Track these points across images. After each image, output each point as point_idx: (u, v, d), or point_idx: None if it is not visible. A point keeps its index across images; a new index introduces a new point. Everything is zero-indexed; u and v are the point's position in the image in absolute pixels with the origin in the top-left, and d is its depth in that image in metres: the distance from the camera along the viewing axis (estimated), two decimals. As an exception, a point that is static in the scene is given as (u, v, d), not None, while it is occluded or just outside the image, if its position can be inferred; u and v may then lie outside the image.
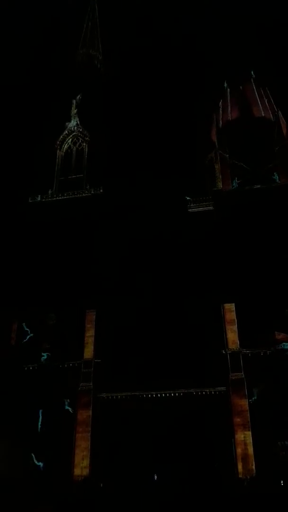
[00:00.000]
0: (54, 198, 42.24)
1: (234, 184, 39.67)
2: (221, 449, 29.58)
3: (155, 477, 29.38)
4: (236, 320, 33.53)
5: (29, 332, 36.08)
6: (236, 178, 39.82)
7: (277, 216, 36.34)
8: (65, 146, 45.99)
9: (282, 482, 27.73)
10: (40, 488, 27.16)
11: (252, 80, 45.92)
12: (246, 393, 30.73)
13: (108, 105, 48.83)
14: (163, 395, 32.02)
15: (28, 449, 30.95)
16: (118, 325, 35.23)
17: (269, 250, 34.97)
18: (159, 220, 39.11)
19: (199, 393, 31.64)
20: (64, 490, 27.12)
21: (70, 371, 33.79)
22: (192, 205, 40.04)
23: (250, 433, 29.70)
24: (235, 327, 33.33)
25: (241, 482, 27.95)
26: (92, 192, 41.37)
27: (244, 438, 29.60)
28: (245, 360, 31.94)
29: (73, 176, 43.94)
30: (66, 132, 46.29)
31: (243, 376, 31.32)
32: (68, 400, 32.55)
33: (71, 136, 46.29)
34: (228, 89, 46.19)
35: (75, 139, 46.17)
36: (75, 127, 46.16)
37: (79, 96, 47.54)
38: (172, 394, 31.96)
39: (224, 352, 32.44)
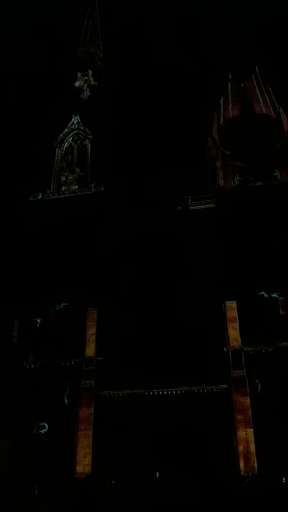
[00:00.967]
0: (55, 196, 42.19)
1: (236, 181, 39.58)
2: (223, 446, 29.60)
3: (157, 474, 29.40)
4: (237, 318, 33.50)
5: (31, 329, 36.13)
6: (237, 175, 39.74)
7: (278, 213, 36.26)
8: (66, 144, 45.86)
9: (284, 479, 27.72)
10: (42, 485, 27.22)
11: (253, 77, 45.71)
12: (248, 391, 30.69)
13: (109, 103, 48.70)
14: (165, 392, 32.03)
15: (30, 447, 30.98)
16: (119, 323, 35.26)
17: (271, 247, 34.91)
18: (160, 218, 39.06)
19: (201, 391, 31.65)
20: (66, 487, 27.18)
21: (72, 369, 33.78)
22: (192, 202, 39.94)
23: (251, 430, 29.72)
24: (236, 325, 33.31)
25: (243, 479, 27.96)
26: (94, 190, 41.31)
27: (246, 435, 29.62)
28: (247, 357, 31.93)
29: (74, 174, 43.86)
30: (67, 130, 46.15)
31: (245, 374, 31.32)
32: (70, 398, 32.52)
33: (72, 134, 46.15)
34: (230, 86, 45.97)
35: (76, 137, 46.05)
36: (76, 125, 46.02)
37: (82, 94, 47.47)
38: (174, 392, 31.97)
39: (225, 350, 32.44)
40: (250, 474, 28.31)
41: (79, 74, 49.62)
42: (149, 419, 30.86)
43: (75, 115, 46.30)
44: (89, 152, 44.67)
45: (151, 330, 34.68)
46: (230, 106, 44.47)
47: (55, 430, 31.95)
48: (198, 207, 39.75)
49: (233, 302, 34.02)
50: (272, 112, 42.99)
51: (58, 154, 45.18)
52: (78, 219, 39.38)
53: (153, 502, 24.40)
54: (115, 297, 36.33)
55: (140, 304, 35.87)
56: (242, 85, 45.56)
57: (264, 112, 42.90)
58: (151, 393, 32.14)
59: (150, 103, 56.05)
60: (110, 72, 54.28)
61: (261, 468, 28.60)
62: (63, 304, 36.30)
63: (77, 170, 44.07)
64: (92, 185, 41.53)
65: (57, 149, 45.27)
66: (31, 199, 42.20)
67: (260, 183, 38.42)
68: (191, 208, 39.69)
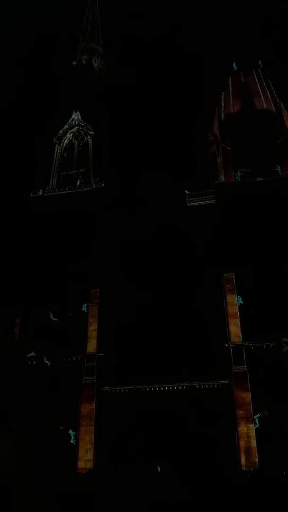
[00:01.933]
0: (56, 193, 42.17)
1: (237, 177, 39.50)
2: (224, 441, 29.68)
3: (158, 468, 29.52)
4: (238, 314, 33.53)
5: (32, 326, 36.22)
6: (238, 171, 39.66)
7: (279, 209, 36.18)
8: (66, 141, 45.77)
9: (285, 473, 27.80)
10: (45, 481, 27.34)
11: (254, 72, 45.52)
12: (249, 386, 30.75)
13: (109, 99, 48.57)
14: (166, 388, 32.10)
15: (32, 443, 31.09)
16: (121, 319, 35.32)
17: (272, 243, 34.89)
18: (160, 214, 39.03)
19: (202, 386, 31.71)
20: (68, 483, 27.31)
21: (74, 365, 33.86)
22: (193, 198, 39.88)
23: (253, 425, 29.78)
24: (237, 321, 33.33)
25: (244, 474, 28.05)
26: (94, 186, 41.27)
27: (247, 430, 29.69)
28: (248, 353, 31.96)
29: (75, 171, 43.82)
30: (67, 126, 46.07)
31: (246, 369, 31.36)
32: (71, 394, 32.61)
33: (72, 130, 46.06)
34: (230, 81, 45.78)
35: (76, 133, 45.96)
36: (76, 121, 45.93)
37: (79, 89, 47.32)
38: (175, 388, 32.03)
39: (227, 346, 32.46)
40: (251, 469, 28.39)
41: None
42: (150, 414, 30.92)
43: (75, 111, 46.22)
44: (91, 148, 44.58)
45: (153, 326, 34.73)
46: (231, 101, 44.29)
47: (57, 426, 32.03)
48: (198, 203, 39.70)
49: (234, 297, 34.04)
50: (273, 107, 42.84)
51: (57, 150, 45.15)
52: (79, 216, 39.35)
53: (155, 497, 24.51)
54: (115, 294, 36.36)
55: (141, 300, 35.90)
56: (243, 80, 45.37)
57: (265, 107, 42.74)
58: (152, 389, 32.21)
59: (151, 98, 55.92)
60: (110, 67, 54.15)
61: (262, 463, 28.67)
62: (64, 300, 36.33)
63: (78, 166, 44.05)
64: (94, 182, 41.45)
65: (56, 145, 45.23)
66: (31, 195, 42.24)
67: (261, 179, 38.34)
68: (190, 204, 39.66)
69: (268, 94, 43.93)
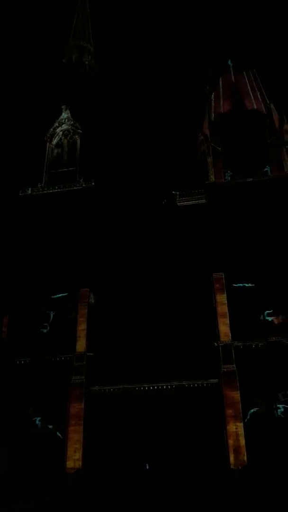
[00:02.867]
0: (45, 191, 41.91)
1: (227, 177, 39.72)
2: (213, 440, 29.79)
3: (147, 466, 29.55)
4: (228, 313, 33.70)
5: (21, 325, 35.94)
6: (228, 171, 39.88)
7: (269, 209, 36.47)
8: (56, 139, 45.57)
9: (273, 472, 28.01)
10: (33, 481, 27.18)
11: (244, 73, 45.80)
12: (238, 385, 30.93)
13: (99, 98, 48.43)
14: (156, 387, 32.09)
15: (20, 443, 30.87)
16: (110, 318, 35.27)
17: (261, 243, 35.15)
18: (150, 214, 39.06)
19: (192, 385, 31.78)
20: (57, 482, 27.19)
21: (63, 365, 33.69)
22: (183, 198, 40.00)
23: (241, 424, 29.94)
24: (227, 320, 33.49)
25: (233, 473, 28.22)
26: (84, 185, 41.13)
27: (236, 429, 29.84)
28: (237, 352, 32.14)
29: (64, 169, 43.60)
30: (57, 124, 45.88)
31: (235, 368, 31.52)
32: (60, 394, 32.45)
33: (62, 128, 45.86)
34: (221, 81, 46.00)
35: (66, 131, 45.77)
36: (66, 120, 45.77)
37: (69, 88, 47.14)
38: (165, 387, 32.04)
39: (216, 345, 32.59)
40: (240, 467, 28.56)
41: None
42: (139, 414, 30.91)
43: (65, 110, 46.07)
44: (79, 146, 44.45)
45: (142, 325, 34.75)
46: (222, 101, 44.54)
47: (46, 426, 31.85)
48: (188, 202, 39.83)
49: (224, 297, 34.21)
50: (263, 108, 43.17)
51: (48, 148, 44.92)
52: (68, 215, 39.17)
53: (144, 496, 24.54)
54: (105, 293, 36.28)
55: (131, 300, 35.90)
56: (234, 80, 45.64)
57: (256, 108, 43.07)
58: (142, 388, 32.17)
59: (141, 97, 55.88)
60: (100, 66, 53.98)
61: (251, 461, 28.86)
62: (53, 299, 36.15)
63: (67, 165, 43.86)
64: (81, 180, 41.33)
65: (47, 144, 45.00)
66: (20, 194, 41.91)
67: (251, 179, 38.61)
68: (180, 203, 39.79)
69: (258, 95, 44.25)
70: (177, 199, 39.95)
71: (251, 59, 46.93)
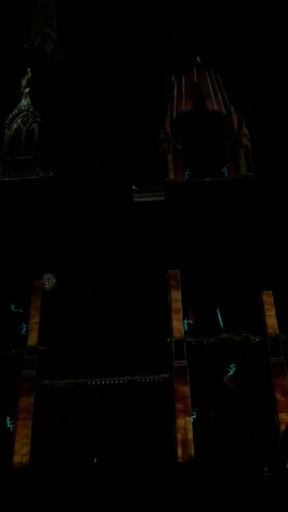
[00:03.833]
0: (1, 179, 40.66)
1: (186, 175, 40.19)
2: (162, 434, 30.23)
3: (95, 460, 29.53)
4: (181, 309, 34.21)
5: None
6: (187, 170, 40.36)
7: (225, 209, 37.29)
8: (15, 126, 44.29)
9: (219, 465, 28.78)
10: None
11: (207, 73, 46.40)
12: (188, 380, 31.50)
13: (60, 87, 47.42)
14: (108, 382, 32.14)
15: None
16: (63, 312, 34.83)
17: (216, 241, 35.91)
18: (107, 208, 38.84)
19: (143, 380, 32.08)
20: (2, 478, 26.56)
21: (13, 358, 32.95)
22: (142, 194, 40.03)
23: (190, 418, 30.57)
24: (180, 316, 34.02)
25: (180, 466, 28.73)
26: (42, 174, 40.26)
27: (184, 423, 30.43)
28: (189, 348, 32.70)
29: (22, 157, 42.48)
30: (16, 111, 44.61)
31: (186, 364, 32.08)
32: (10, 388, 31.73)
33: (21, 115, 44.65)
34: (183, 80, 46.35)
35: (25, 118, 44.59)
36: (26, 107, 44.59)
37: (29, 74, 45.84)
38: (117, 381, 32.15)
39: (169, 340, 33.02)
40: (187, 460, 29.12)
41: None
42: (90, 408, 30.87)
43: (26, 97, 44.90)
44: (36, 135, 43.50)
45: (96, 319, 34.65)
46: (184, 100, 44.93)
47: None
48: (147, 199, 39.93)
49: (178, 293, 34.69)
50: (224, 109, 43.98)
51: (7, 135, 43.60)
52: (23, 204, 38.27)
53: (91, 490, 24.46)
54: (59, 286, 35.80)
55: (85, 294, 35.63)
56: (196, 80, 46.11)
57: (216, 109, 43.81)
58: (93, 382, 32.11)
59: (104, 89, 55.24)
60: (63, 54, 52.80)
61: (198, 455, 29.50)
62: (6, 292, 35.23)
63: (25, 153, 42.78)
64: (37, 169, 40.44)
65: (6, 131, 43.66)
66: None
67: (208, 179, 39.28)
68: (137, 199, 39.81)
69: (220, 96, 45.02)
70: (135, 194, 39.93)
71: (216, 59, 47.66)
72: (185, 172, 40.35)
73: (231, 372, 31.62)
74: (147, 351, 32.21)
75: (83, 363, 32.38)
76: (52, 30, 53.99)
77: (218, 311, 33.78)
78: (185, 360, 32.24)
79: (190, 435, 30.16)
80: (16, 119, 44.47)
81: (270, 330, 32.89)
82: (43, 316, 34.60)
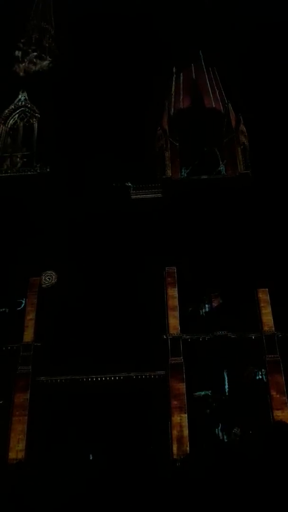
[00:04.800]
0: (-1, 175, 40.54)
1: (183, 173, 40.15)
2: (158, 431, 30.33)
3: (91, 456, 29.60)
4: (178, 306, 34.27)
5: None
6: (184, 167, 40.32)
7: (222, 206, 37.30)
8: (11, 121, 44.06)
9: (213, 462, 28.90)
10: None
11: (205, 70, 46.30)
12: (184, 377, 31.58)
13: (58, 84, 47.19)
14: (103, 378, 32.15)
15: None
16: (60, 309, 34.75)
17: (213, 239, 35.94)
18: (104, 205, 38.74)
19: (139, 377, 32.13)
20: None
21: (9, 355, 32.93)
22: (139, 191, 39.96)
23: (186, 415, 30.67)
24: (176, 313, 34.08)
25: (175, 462, 28.83)
26: (39, 170, 40.11)
27: (180, 420, 30.53)
28: (185, 345, 32.76)
29: (19, 153, 42.30)
30: (13, 106, 44.36)
31: (182, 361, 32.16)
32: (6, 384, 31.73)
33: (18, 111, 44.42)
34: (181, 77, 46.24)
35: (22, 114, 44.36)
36: (23, 102, 44.35)
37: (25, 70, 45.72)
38: (113, 378, 32.17)
39: (165, 337, 33.09)
40: (182, 457, 29.23)
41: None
42: (86, 404, 30.84)
43: (22, 92, 44.66)
44: (36, 131, 43.29)
45: (92, 316, 34.57)
46: (181, 96, 44.84)
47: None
48: (144, 196, 39.87)
49: (175, 290, 34.73)
50: (221, 106, 43.94)
51: (3, 131, 43.36)
52: (20, 200, 38.10)
53: (86, 486, 24.51)
54: (56, 283, 35.74)
55: (81, 290, 35.54)
56: (195, 76, 46.02)
57: (214, 106, 43.77)
58: (89, 379, 32.11)
59: (101, 86, 55.03)
60: (61, 50, 52.52)
61: (193, 452, 29.61)
62: (1, 287, 35.16)
63: (23, 148, 42.59)
64: (37, 166, 40.28)
65: (2, 126, 43.41)
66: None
67: (206, 177, 39.26)
68: (134, 196, 39.74)
69: (217, 93, 44.96)
70: (132, 191, 39.86)
71: (214, 57, 47.52)
72: (183, 169, 40.29)
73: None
74: (143, 348, 32.27)
75: (79, 359, 32.34)
76: (50, 25, 53.66)
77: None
78: (181, 357, 32.32)
79: (186, 432, 30.27)
80: (12, 115, 44.22)
81: (266, 328, 33.04)
82: (39, 313, 34.53)
